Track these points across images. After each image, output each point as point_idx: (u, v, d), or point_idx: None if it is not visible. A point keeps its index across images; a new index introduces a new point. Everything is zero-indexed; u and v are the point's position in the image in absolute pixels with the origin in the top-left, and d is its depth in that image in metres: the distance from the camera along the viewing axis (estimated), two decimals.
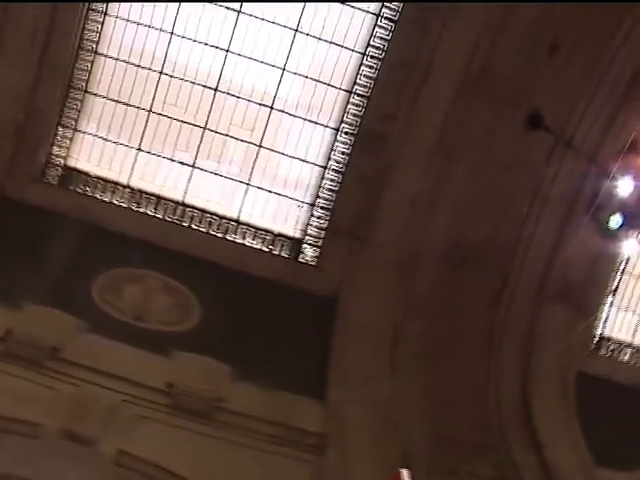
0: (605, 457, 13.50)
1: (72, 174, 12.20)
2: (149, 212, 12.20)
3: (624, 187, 10.45)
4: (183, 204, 12.41)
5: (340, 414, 10.89)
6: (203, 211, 12.48)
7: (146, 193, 12.29)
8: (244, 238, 12.62)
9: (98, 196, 12.09)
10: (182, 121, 12.24)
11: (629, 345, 15.93)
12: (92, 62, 11.89)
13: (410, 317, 12.64)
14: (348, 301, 12.56)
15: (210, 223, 12.49)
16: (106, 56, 11.89)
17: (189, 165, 12.38)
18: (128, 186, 12.19)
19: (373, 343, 12.24)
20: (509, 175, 12.66)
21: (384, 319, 12.50)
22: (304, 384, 11.16)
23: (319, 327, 12.19)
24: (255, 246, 12.65)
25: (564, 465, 12.73)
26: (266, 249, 12.71)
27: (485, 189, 12.80)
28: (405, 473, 5.56)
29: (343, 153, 12.68)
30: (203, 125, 12.27)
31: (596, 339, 15.43)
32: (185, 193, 12.40)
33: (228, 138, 12.41)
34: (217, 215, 12.56)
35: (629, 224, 10.70)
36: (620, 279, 15.23)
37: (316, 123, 12.59)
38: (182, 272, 11.69)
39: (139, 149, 12.18)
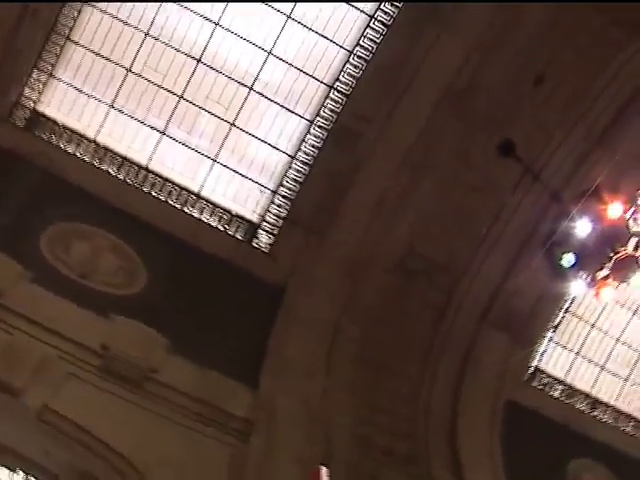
0: None
1: (40, 119, 12.17)
2: (111, 171, 12.24)
3: (582, 228, 10.72)
4: (146, 169, 12.49)
5: (269, 403, 11.11)
6: (165, 179, 12.58)
7: (111, 151, 12.33)
8: (201, 213, 12.76)
9: (62, 146, 12.08)
10: (159, 86, 12.33)
11: (561, 382, 16.53)
12: (79, 10, 11.89)
13: (354, 319, 12.96)
14: (295, 293, 12.79)
15: (170, 192, 12.60)
16: (94, 7, 11.94)
17: (159, 131, 12.48)
18: (94, 141, 12.21)
19: (313, 339, 12.51)
20: (474, 197, 13.10)
21: (328, 316, 12.79)
22: (238, 368, 11.37)
23: (262, 314, 12.40)
24: (211, 223, 12.81)
25: None
26: (221, 228, 12.88)
27: (448, 206, 13.21)
28: (324, 471, 5.83)
29: (313, 146, 12.91)
30: (180, 94, 12.40)
31: (531, 371, 15.98)
32: (150, 158, 12.49)
33: (202, 111, 12.56)
34: (178, 186, 12.67)
35: (581, 265, 11.04)
36: (563, 317, 15.84)
37: (292, 112, 12.81)
38: (134, 237, 11.79)
39: (112, 106, 12.24)
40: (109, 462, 9.57)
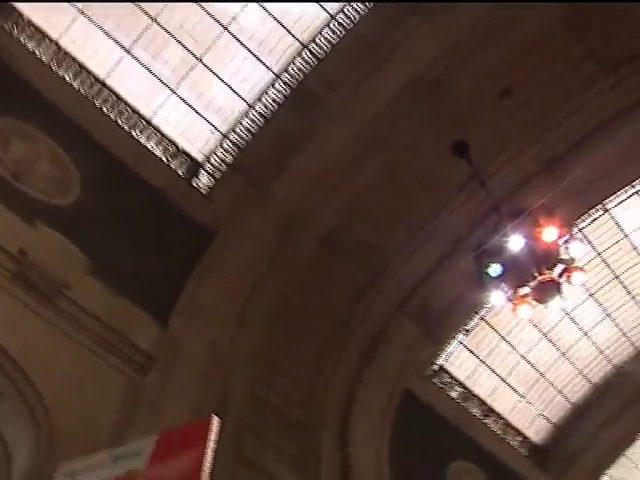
0: (400, 474, 14.76)
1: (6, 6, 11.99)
2: (66, 77, 12.14)
3: (514, 243, 11.20)
4: (102, 83, 12.40)
5: (174, 343, 11.49)
6: (119, 98, 12.53)
7: (71, 57, 12.17)
8: (148, 140, 12.77)
9: (22, 40, 12.02)
10: (136, 2, 12.38)
11: (461, 384, 17.28)
12: None
13: (276, 278, 13.38)
14: (224, 240, 13.05)
15: (121, 112, 12.55)
16: None
17: (124, 48, 12.41)
18: (56, 43, 12.07)
19: (231, 288, 12.86)
20: (418, 187, 13.57)
21: (251, 270, 13.17)
22: (152, 302, 11.69)
23: (187, 254, 12.66)
24: (155, 152, 12.83)
25: (363, 469, 13.86)
26: (165, 159, 12.93)
27: (391, 190, 13.64)
28: (215, 420, 6.18)
29: (274, 101, 13.09)
30: (153, 16, 12.40)
31: (434, 368, 16.67)
32: (109, 74, 12.44)
33: (172, 39, 12.58)
34: (131, 107, 12.65)
35: (505, 278, 11.48)
36: (477, 323, 16.52)
37: (261, 61, 12.94)
38: (76, 149, 11.76)
39: (82, 12, 12.19)
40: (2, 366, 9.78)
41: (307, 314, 13.78)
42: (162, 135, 12.98)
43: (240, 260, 13.09)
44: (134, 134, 12.76)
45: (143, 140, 12.83)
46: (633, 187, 15.63)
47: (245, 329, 12.65)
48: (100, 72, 12.48)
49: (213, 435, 5.95)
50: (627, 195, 15.78)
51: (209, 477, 5.64)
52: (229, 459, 10.78)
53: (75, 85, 12.27)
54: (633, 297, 18.22)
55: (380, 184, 13.47)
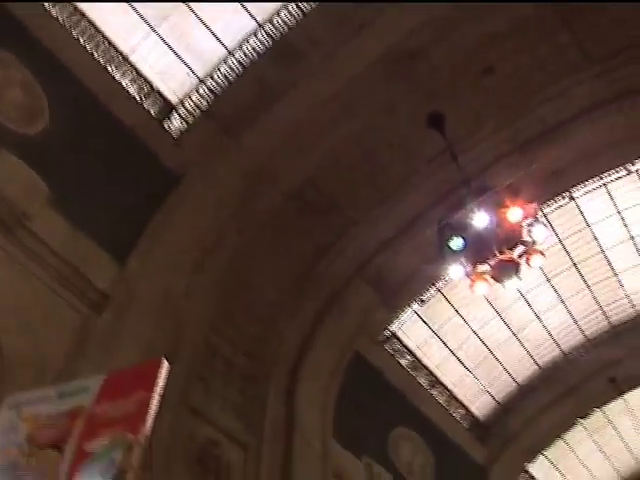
0: (342, 434, 15.03)
1: None
2: (45, 4, 12.00)
3: (479, 219, 11.32)
4: (82, 13, 12.21)
5: (131, 285, 11.57)
6: (97, 30, 12.34)
7: None
8: (123, 77, 12.63)
9: None
10: None
11: (411, 353, 17.59)
12: None
13: (239, 229, 13.44)
14: (189, 186, 13.04)
15: (98, 45, 12.36)
16: None
17: None
18: None
19: (193, 235, 12.93)
20: (390, 153, 13.68)
21: (214, 218, 13.23)
22: (112, 241, 11.71)
23: (151, 196, 12.65)
24: (129, 89, 12.72)
25: (306, 426, 14.09)
26: (138, 98, 12.82)
27: (362, 153, 13.72)
28: (165, 364, 6.25)
29: (255, 50, 13.00)
30: None
31: (387, 334, 16.92)
32: (90, 5, 12.27)
33: None
34: (109, 41, 12.47)
35: (466, 253, 11.60)
36: (433, 294, 16.76)
37: (245, 9, 12.83)
38: (49, 79, 11.62)
39: None
40: None
41: (266, 268, 13.89)
42: (138, 73, 12.85)
43: (203, 207, 13.11)
44: (109, 69, 12.61)
45: (118, 76, 12.68)
46: (601, 179, 15.95)
47: (202, 277, 12.73)
48: (79, 3, 12.24)
49: (161, 379, 6.01)
50: (594, 186, 16.08)
51: (153, 420, 5.72)
52: (175, 404, 10.92)
53: (54, 12, 12.05)
54: (588, 286, 18.63)
55: (352, 146, 13.56)
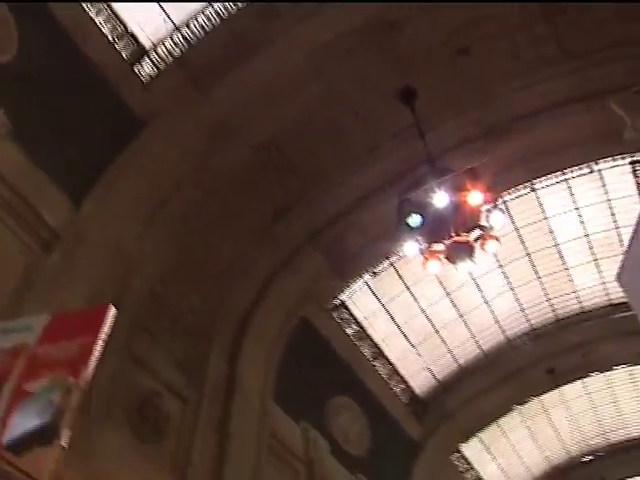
0: (282, 397, 15.19)
1: None
2: None
3: (439, 199, 11.37)
4: None
5: (83, 228, 11.47)
6: None
7: None
8: (98, 15, 12.31)
9: None
10: None
11: (358, 323, 17.77)
12: None
13: (197, 183, 13.41)
14: (152, 134, 12.88)
15: None
16: None
17: None
18: None
19: (150, 183, 12.84)
20: (356, 122, 13.71)
21: (173, 169, 13.15)
22: (69, 181, 11.54)
23: (113, 139, 12.46)
24: (103, 29, 12.43)
25: (247, 386, 14.21)
26: (111, 38, 12.55)
27: (328, 121, 13.72)
28: (111, 310, 6.27)
29: (234, 3, 12.83)
30: None
31: (336, 302, 17.07)
32: None
33: None
34: None
35: (423, 231, 11.67)
36: (386, 268, 16.91)
37: None
38: (20, 10, 11.24)
39: None
40: None
41: (222, 224, 13.88)
42: (113, 12, 12.58)
43: (164, 158, 13.00)
44: (84, 5, 12.30)
45: (92, 13, 12.38)
46: (564, 174, 16.18)
47: (156, 227, 12.71)
48: None
49: (107, 325, 6.04)
50: (556, 180, 16.31)
51: (95, 366, 5.77)
52: (118, 352, 10.97)
53: None
54: (539, 277, 18.96)
55: (320, 111, 13.55)
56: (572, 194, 16.94)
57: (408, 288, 17.80)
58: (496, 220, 11.60)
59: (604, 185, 16.80)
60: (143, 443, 11.74)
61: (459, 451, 22.91)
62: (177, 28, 13.02)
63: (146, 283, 12.43)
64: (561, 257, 18.61)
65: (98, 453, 10.32)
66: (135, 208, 12.53)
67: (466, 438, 22.61)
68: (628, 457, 25.28)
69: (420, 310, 18.53)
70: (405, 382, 19.94)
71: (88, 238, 11.46)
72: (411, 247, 11.97)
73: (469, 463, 23.51)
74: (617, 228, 17.67)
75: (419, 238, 11.86)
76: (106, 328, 6.00)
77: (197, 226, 13.49)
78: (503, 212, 12.16)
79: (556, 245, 18.26)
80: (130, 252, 12.11)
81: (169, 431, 12.31)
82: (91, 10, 12.35)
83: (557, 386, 22.32)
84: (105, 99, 12.53)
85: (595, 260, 18.74)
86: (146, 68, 13.02)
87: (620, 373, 22.64)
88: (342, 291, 17.00)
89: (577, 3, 12.56)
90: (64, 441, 5.21)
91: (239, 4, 12.83)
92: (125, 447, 11.24)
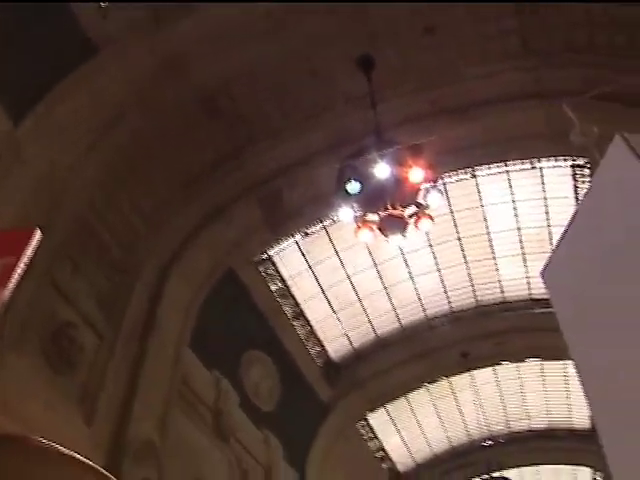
0: (198, 345, 15.24)
1: None
2: None
3: (381, 170, 11.43)
4: None
5: (19, 147, 11.08)
6: None
7: None
8: None
9: None
10: None
11: (283, 281, 17.88)
12: None
13: (141, 115, 13.13)
14: (105, 60, 12.38)
15: None
16: None
17: None
18: None
19: (94, 107, 12.46)
20: (312, 83, 13.68)
21: (118, 100, 12.82)
22: (10, 97, 11.08)
23: (63, 61, 11.97)
24: None
25: (166, 327, 14.19)
26: None
27: (283, 75, 13.61)
28: (37, 234, 6.22)
29: None
30: None
31: (264, 256, 17.14)
32: None
33: None
34: None
35: (360, 199, 11.75)
36: (318, 230, 17.02)
37: None
38: None
39: None
40: None
41: (161, 162, 13.75)
42: None
43: (112, 86, 12.63)
44: None
45: None
46: (506, 166, 16.47)
47: (94, 155, 12.45)
48: None
49: (30, 248, 5.99)
50: (497, 170, 16.63)
51: (13, 290, 5.73)
52: (38, 278, 10.85)
53: None
54: (466, 262, 19.27)
55: (277, 65, 13.43)
56: (511, 186, 17.22)
57: (337, 253, 17.91)
58: (433, 200, 11.75)
59: (543, 183, 17.13)
60: (55, 373, 11.62)
61: (365, 419, 23.36)
62: None
63: (77, 210, 12.22)
64: (491, 246, 18.93)
65: (7, 378, 10.25)
66: (75, 133, 12.19)
67: (374, 408, 23.05)
68: (526, 447, 26.09)
69: (346, 276, 18.69)
70: (322, 345, 20.17)
71: (23, 158, 11.19)
72: (346, 213, 12.07)
73: (373, 432, 24.01)
74: (549, 226, 18.01)
75: (355, 206, 11.96)
76: (30, 251, 5.94)
77: (136, 159, 13.30)
78: (441, 193, 12.27)
79: (488, 233, 18.57)
80: (64, 177, 11.85)
81: (81, 364, 12.21)
82: None
83: (468, 370, 22.82)
84: (59, 20, 12.00)
85: (523, 254, 19.11)
86: None
87: (531, 366, 23.23)
88: (272, 246, 17.07)
89: (553, 3, 12.71)
90: None
91: None
92: (35, 375, 11.10)
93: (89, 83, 12.39)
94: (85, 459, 2.67)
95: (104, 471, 2.74)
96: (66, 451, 2.65)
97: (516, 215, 18.07)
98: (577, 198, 16.50)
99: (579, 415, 24.57)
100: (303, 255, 17.78)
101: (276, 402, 18.35)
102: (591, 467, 26.46)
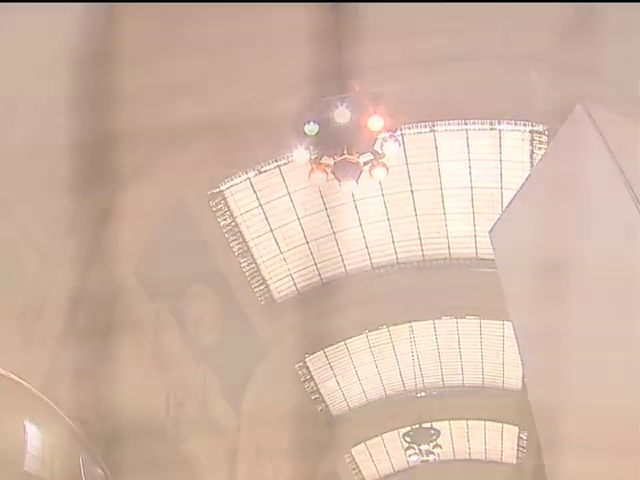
0: (144, 275, 15.14)
1: None
2: None
3: (340, 114, 11.23)
4: None
5: None
6: None
7: None
8: None
9: None
10: None
11: (232, 216, 17.75)
12: None
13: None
14: None
15: None
16: None
17: None
18: None
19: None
20: (281, 18, 13.25)
21: None
22: None
23: None
24: None
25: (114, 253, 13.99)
26: None
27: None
28: None
29: None
30: None
31: (215, 190, 16.99)
32: None
33: None
34: None
35: (317, 141, 11.57)
36: (272, 169, 16.88)
37: None
38: None
39: None
40: None
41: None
42: None
43: None
44: None
45: None
46: (466, 124, 16.64)
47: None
48: None
49: None
50: (457, 128, 16.70)
51: None
52: None
53: None
54: (416, 215, 19.26)
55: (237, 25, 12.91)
56: (468, 145, 17.20)
57: (289, 193, 17.78)
58: (390, 149, 11.65)
59: (500, 145, 17.13)
60: None
61: (304, 361, 23.49)
62: None
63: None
64: (442, 202, 18.94)
65: None
66: None
67: (312, 351, 23.15)
68: (458, 402, 26.46)
69: (296, 217, 18.57)
70: (266, 285, 20.12)
71: None
72: (301, 154, 11.92)
73: (310, 374, 24.18)
74: (502, 189, 18.01)
75: (311, 147, 11.79)
76: None
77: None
78: (399, 144, 12.15)
79: (441, 189, 18.56)
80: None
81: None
82: None
83: (409, 322, 22.99)
84: None
85: (473, 213, 19.14)
86: None
87: (470, 323, 23.48)
88: (224, 181, 16.88)
89: None
90: None
91: None
92: None
93: None
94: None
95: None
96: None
97: (470, 174, 18.06)
98: (532, 164, 16.49)
99: (512, 375, 24.97)
100: (255, 193, 17.62)
101: (216, 337, 18.33)
102: (517, 426, 27.07)
